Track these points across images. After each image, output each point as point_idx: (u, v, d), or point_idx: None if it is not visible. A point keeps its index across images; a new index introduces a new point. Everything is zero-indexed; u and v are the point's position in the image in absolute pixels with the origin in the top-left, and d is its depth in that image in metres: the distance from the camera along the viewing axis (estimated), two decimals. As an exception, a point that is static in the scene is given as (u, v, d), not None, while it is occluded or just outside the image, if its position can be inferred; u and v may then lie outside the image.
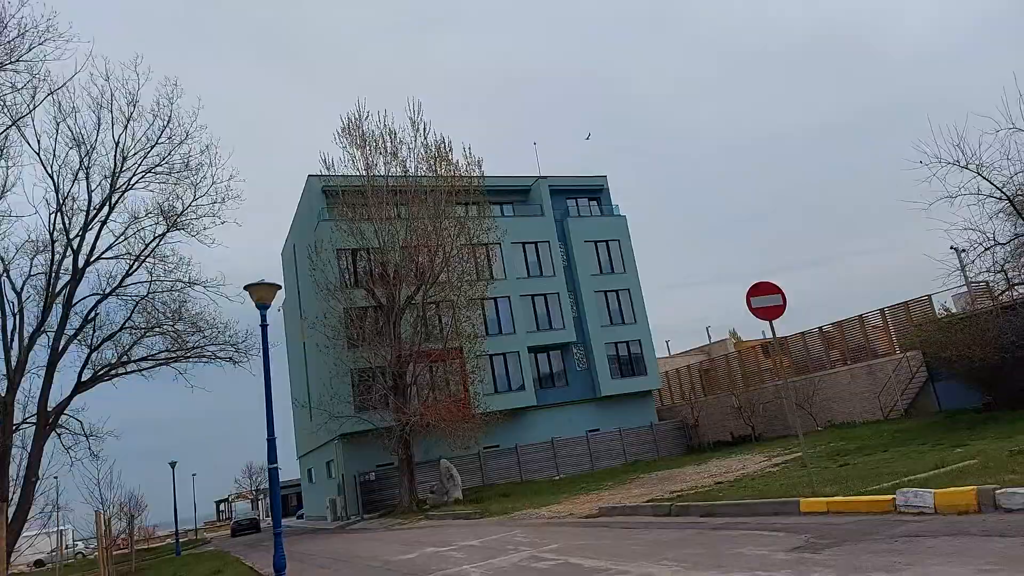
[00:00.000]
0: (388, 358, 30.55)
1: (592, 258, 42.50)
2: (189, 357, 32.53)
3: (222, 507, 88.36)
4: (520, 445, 36.58)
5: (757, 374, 38.15)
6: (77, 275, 29.94)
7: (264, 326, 11.06)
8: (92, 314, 30.40)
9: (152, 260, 30.45)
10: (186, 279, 30.50)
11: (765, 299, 12.11)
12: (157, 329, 30.38)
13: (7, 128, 26.54)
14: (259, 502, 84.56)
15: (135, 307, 30.48)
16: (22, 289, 29.73)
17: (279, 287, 11.50)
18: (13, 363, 28.74)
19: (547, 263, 41.03)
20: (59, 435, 31.24)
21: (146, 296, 30.72)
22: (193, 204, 30.01)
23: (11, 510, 27.85)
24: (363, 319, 32.31)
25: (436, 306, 34.03)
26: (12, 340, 29.06)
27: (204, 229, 30.31)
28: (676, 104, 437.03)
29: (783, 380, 26.56)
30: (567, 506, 18.61)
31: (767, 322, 12.37)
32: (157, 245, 30.17)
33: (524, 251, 40.66)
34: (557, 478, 34.00)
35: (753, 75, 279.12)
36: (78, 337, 30.04)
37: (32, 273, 29.83)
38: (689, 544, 9.24)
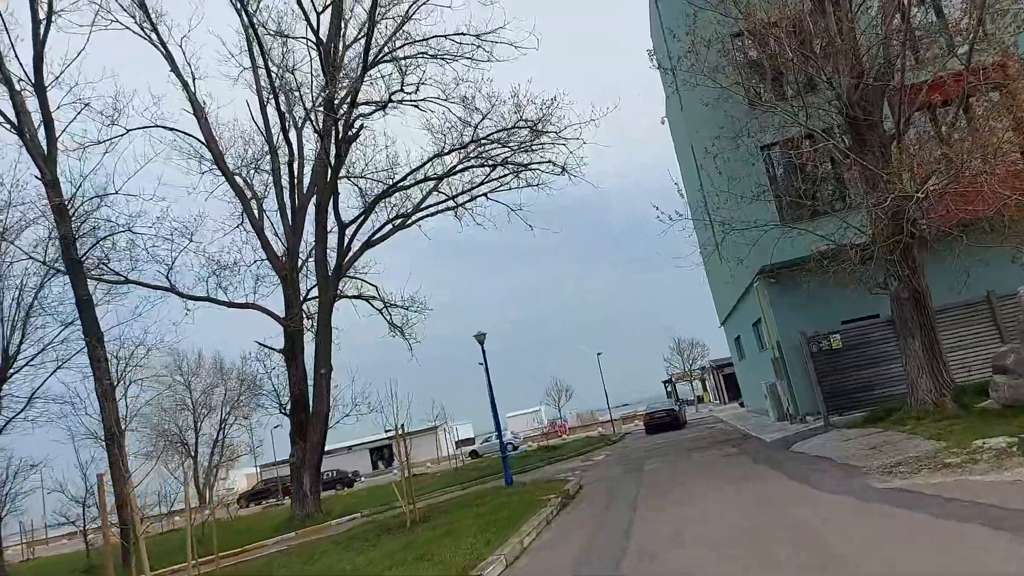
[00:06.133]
0: (840, 99, 13.53)
1: None
2: (503, 168, 21.00)
3: (668, 387, 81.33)
4: None
5: None
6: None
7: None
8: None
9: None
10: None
11: None
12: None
13: None
14: (705, 382, 74.52)
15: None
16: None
17: None
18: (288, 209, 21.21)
19: None
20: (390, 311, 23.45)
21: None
22: None
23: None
24: (769, 50, 15.62)
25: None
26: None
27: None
28: None
29: None
30: None
31: None
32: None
33: None
34: None
35: None
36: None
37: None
38: None
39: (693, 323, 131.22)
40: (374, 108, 18.98)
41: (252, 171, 24.05)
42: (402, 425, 14.98)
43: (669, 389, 79.37)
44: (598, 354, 59.97)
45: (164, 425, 64.70)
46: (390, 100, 18.92)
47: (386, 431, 16.46)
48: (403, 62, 21.21)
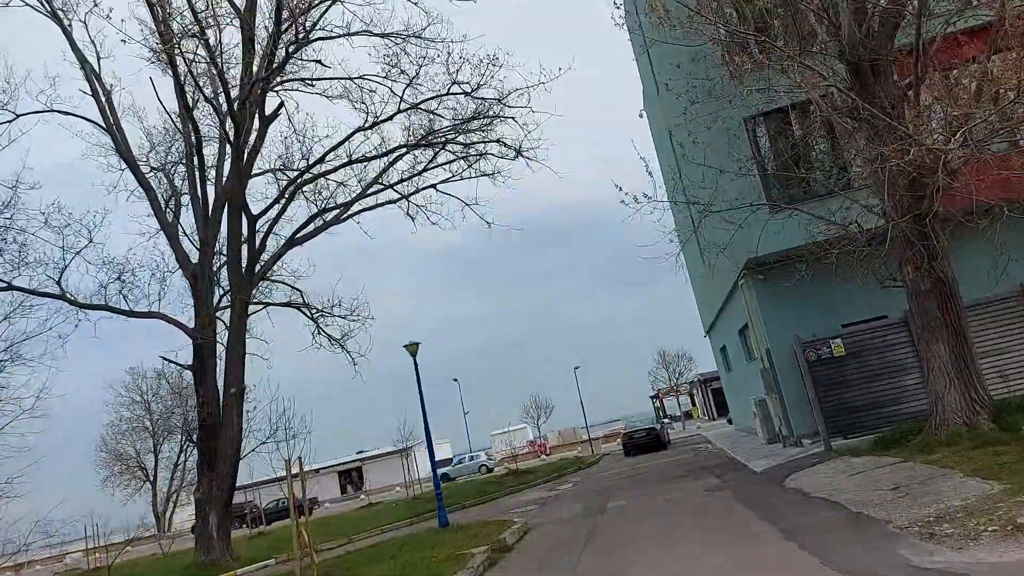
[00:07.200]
0: (841, 40, 10.76)
1: None
2: (450, 153, 18.09)
3: (655, 403, 78.17)
4: None
5: None
6: None
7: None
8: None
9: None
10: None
11: None
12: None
13: None
14: (694, 397, 71.48)
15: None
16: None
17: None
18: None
19: None
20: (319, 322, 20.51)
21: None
22: None
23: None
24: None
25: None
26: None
27: None
28: None
29: None
30: None
31: None
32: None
33: None
34: None
35: None
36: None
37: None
38: None
39: (680, 334, 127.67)
40: (271, 71, 15.82)
41: (175, 166, 21.25)
42: (299, 458, 12.01)
43: (656, 405, 76.40)
44: (575, 368, 56.73)
45: (121, 448, 60.59)
46: (288, 57, 15.94)
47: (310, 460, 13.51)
48: (343, 39, 18.44)
